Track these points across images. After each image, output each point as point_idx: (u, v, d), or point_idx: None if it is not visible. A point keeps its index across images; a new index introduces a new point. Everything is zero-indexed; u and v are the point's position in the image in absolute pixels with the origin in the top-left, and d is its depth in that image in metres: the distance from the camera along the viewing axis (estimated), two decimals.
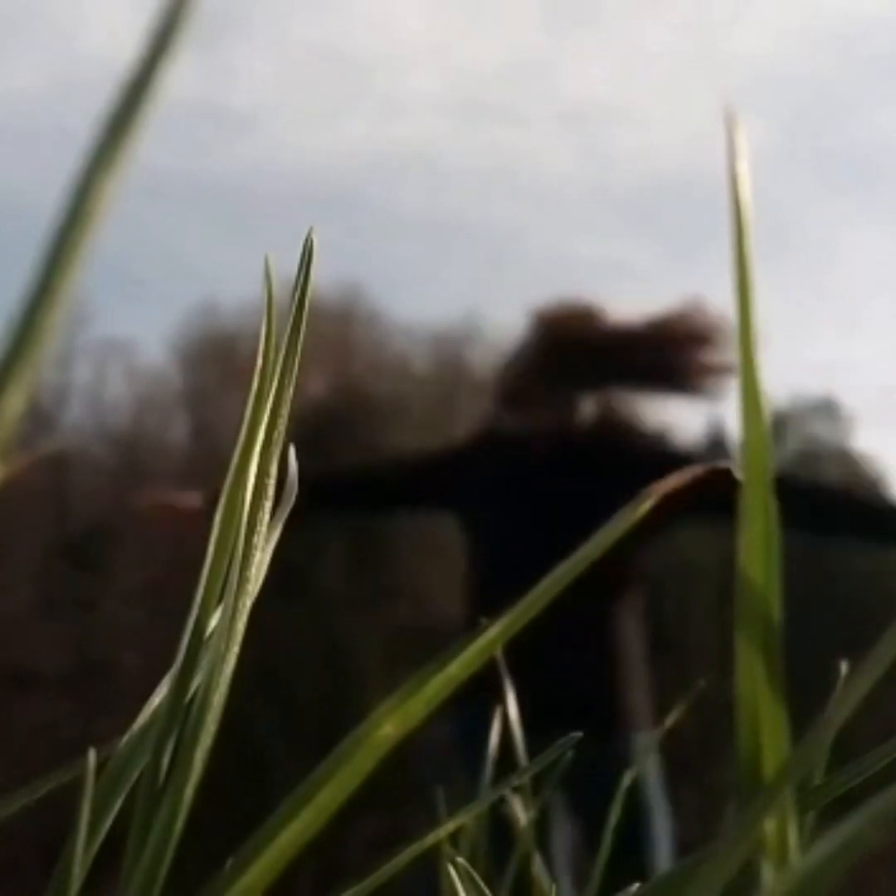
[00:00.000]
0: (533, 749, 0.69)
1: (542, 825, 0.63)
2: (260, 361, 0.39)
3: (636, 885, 0.43)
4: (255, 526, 0.39)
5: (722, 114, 0.29)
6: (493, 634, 0.34)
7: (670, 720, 0.68)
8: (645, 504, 0.36)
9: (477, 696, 0.75)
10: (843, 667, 0.34)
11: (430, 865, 0.52)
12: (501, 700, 0.73)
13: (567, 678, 2.49)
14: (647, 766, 2.14)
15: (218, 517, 0.39)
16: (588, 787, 2.30)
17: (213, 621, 0.38)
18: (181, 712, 0.36)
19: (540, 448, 2.69)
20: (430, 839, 0.40)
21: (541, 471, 2.67)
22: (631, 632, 2.71)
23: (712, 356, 2.67)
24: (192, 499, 2.67)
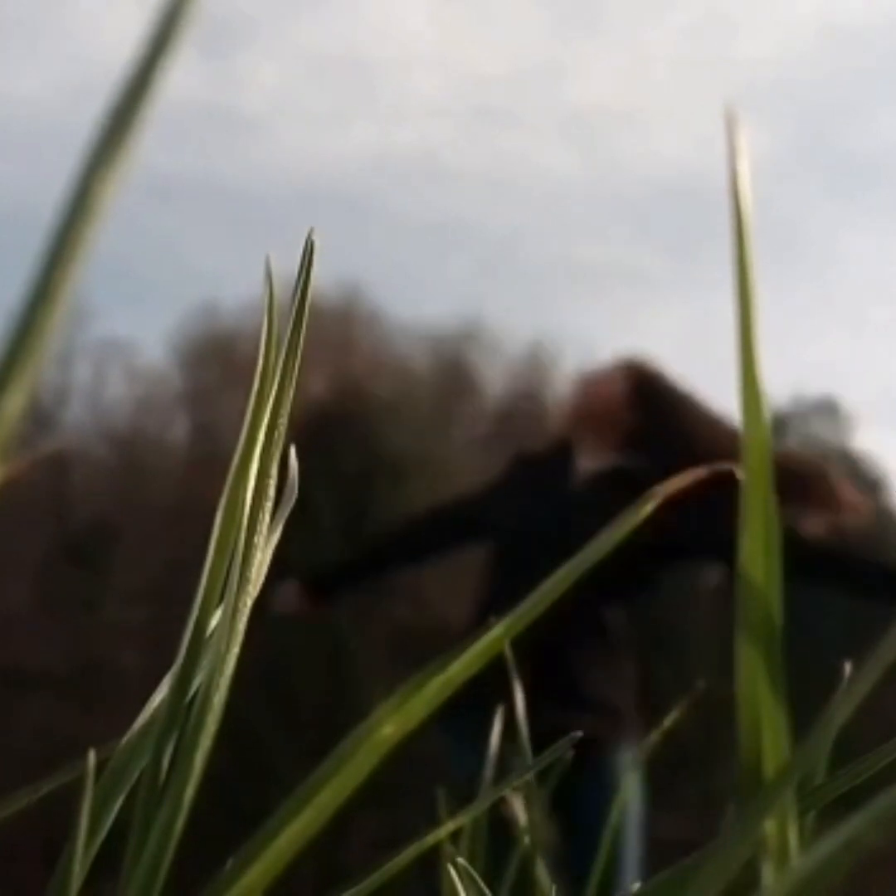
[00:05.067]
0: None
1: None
2: (260, 361, 0.39)
3: (636, 885, 0.43)
4: (255, 526, 0.39)
5: (723, 116, 0.29)
6: (495, 635, 0.34)
7: (670, 720, 0.68)
8: (648, 506, 0.36)
9: (474, 705, 0.75)
10: (847, 667, 0.34)
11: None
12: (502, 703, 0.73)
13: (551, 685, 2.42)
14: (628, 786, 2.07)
15: (218, 517, 0.39)
16: (566, 801, 2.26)
17: (214, 621, 0.38)
18: (181, 712, 0.36)
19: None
20: (430, 839, 0.40)
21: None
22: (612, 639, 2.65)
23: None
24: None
